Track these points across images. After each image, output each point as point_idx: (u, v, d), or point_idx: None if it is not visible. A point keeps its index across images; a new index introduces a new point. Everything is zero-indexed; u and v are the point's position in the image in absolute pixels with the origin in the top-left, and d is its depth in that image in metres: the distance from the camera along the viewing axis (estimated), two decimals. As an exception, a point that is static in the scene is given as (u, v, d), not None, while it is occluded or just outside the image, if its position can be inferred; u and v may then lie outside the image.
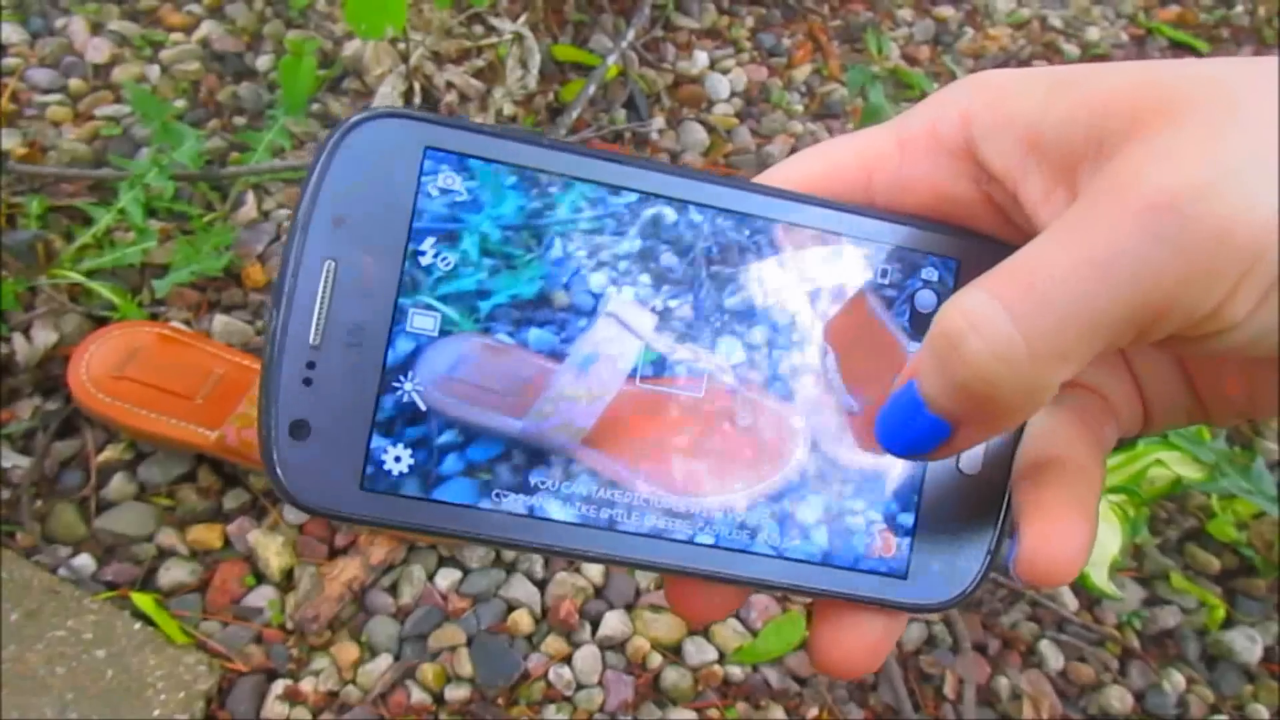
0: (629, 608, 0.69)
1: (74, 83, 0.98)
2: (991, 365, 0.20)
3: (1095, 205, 0.20)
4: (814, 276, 0.26)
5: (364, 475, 0.24)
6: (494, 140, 0.25)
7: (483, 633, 0.67)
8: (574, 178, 0.25)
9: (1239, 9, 1.20)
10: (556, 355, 0.25)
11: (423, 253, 0.24)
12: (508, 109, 1.01)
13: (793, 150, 1.01)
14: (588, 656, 0.67)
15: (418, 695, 0.65)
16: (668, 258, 0.25)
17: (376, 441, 0.24)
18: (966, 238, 0.26)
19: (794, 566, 0.25)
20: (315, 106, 0.99)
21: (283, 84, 0.94)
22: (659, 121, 1.02)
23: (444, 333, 0.24)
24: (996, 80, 0.23)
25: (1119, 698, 0.68)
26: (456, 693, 0.65)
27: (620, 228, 0.25)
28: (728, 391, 0.25)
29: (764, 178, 0.26)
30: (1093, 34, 1.16)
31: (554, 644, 0.67)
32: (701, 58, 1.08)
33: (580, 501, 0.25)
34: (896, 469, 0.26)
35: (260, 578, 0.69)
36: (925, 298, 0.26)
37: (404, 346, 0.24)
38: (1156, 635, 0.72)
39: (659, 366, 0.25)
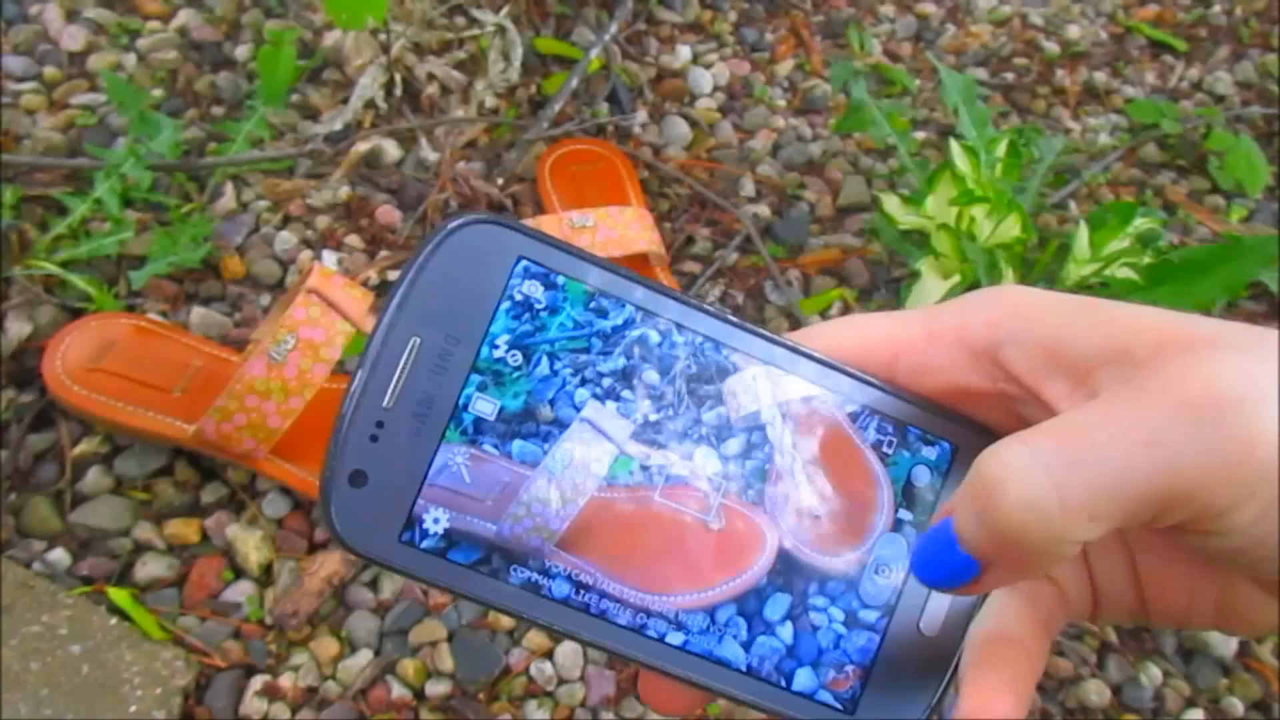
0: (611, 602, 0.69)
1: (49, 71, 0.96)
2: (1024, 514, 0.22)
3: (1141, 392, 0.22)
4: (827, 435, 0.29)
5: (403, 529, 0.26)
6: (582, 263, 0.28)
7: (464, 628, 0.67)
8: (643, 310, 0.28)
9: (1216, 8, 1.21)
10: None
11: (497, 347, 0.27)
12: (489, 101, 1.01)
13: (775, 146, 1.02)
14: (569, 652, 0.66)
15: (398, 691, 0.64)
16: (707, 390, 0.28)
17: (421, 503, 0.26)
18: (970, 427, 0.29)
19: (755, 683, 0.28)
20: (295, 97, 0.98)
21: (262, 74, 0.93)
22: (642, 115, 1.02)
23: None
24: (1024, 296, 0.26)
25: (1097, 691, 0.69)
26: (437, 688, 0.64)
27: (667, 361, 0.28)
28: (703, 510, 0.28)
29: (798, 336, 0.29)
30: (1073, 32, 1.17)
31: (535, 639, 0.67)
32: (684, 52, 1.08)
33: (566, 589, 0.27)
34: (864, 616, 0.28)
35: (239, 572, 0.69)
36: (921, 473, 0.29)
37: (462, 425, 0.27)
38: (1134, 629, 0.72)
39: (633, 473, 0.27)
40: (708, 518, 0.27)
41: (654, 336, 0.28)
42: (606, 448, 0.27)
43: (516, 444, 0.27)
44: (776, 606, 0.28)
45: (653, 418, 0.27)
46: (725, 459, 0.28)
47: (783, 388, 0.28)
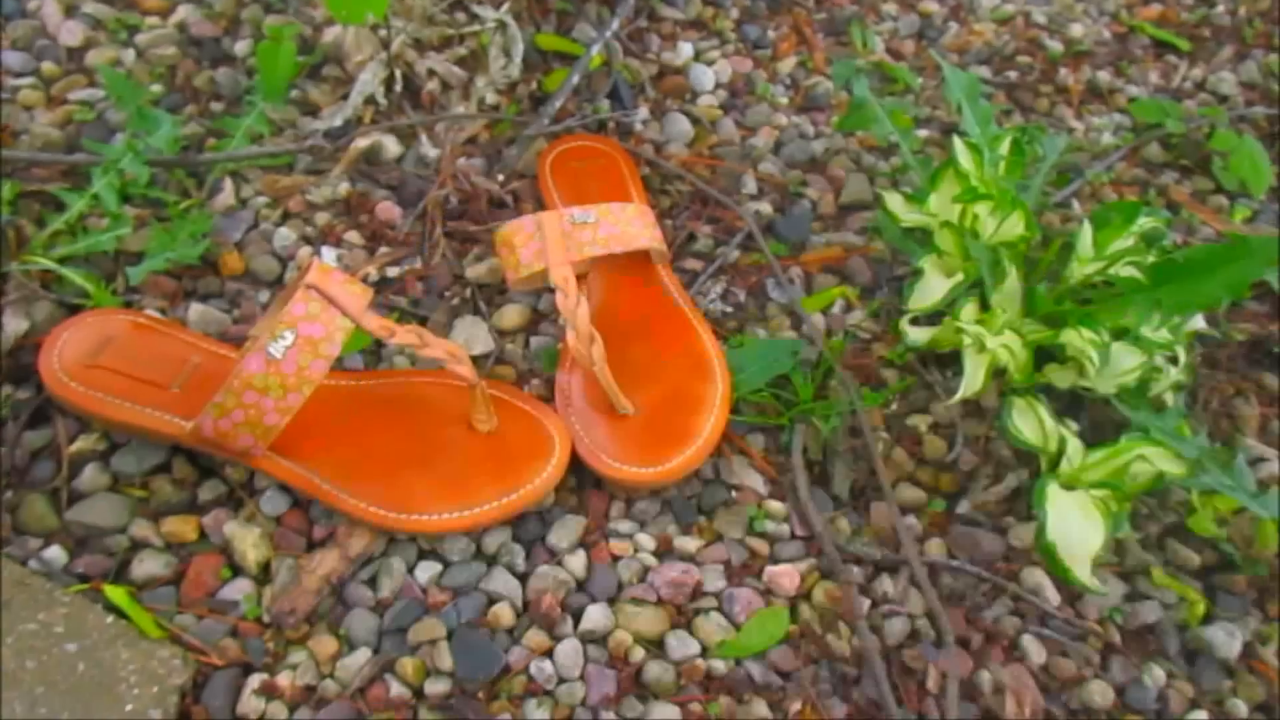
0: (611, 601, 0.68)
1: (46, 66, 0.96)
2: None
3: None
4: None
5: None
6: None
7: (463, 626, 0.66)
8: None
9: (1220, 8, 1.21)
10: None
11: None
12: (490, 98, 1.00)
13: (777, 143, 1.01)
14: (569, 650, 0.66)
15: (397, 689, 0.64)
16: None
17: None
18: None
19: None
20: (294, 93, 0.97)
21: (261, 70, 0.93)
22: (643, 112, 1.01)
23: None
24: None
25: (1100, 692, 0.68)
26: (436, 687, 0.64)
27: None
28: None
29: None
30: (1076, 30, 1.16)
31: (535, 638, 0.66)
32: (686, 48, 1.08)
33: None
34: None
35: (236, 570, 0.68)
36: None
37: None
38: (1137, 630, 0.72)
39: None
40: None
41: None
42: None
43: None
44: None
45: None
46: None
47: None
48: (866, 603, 0.70)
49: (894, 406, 0.81)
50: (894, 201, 0.86)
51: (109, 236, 0.80)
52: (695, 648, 0.67)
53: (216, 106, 0.96)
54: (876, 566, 0.73)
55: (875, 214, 0.94)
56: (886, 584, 0.71)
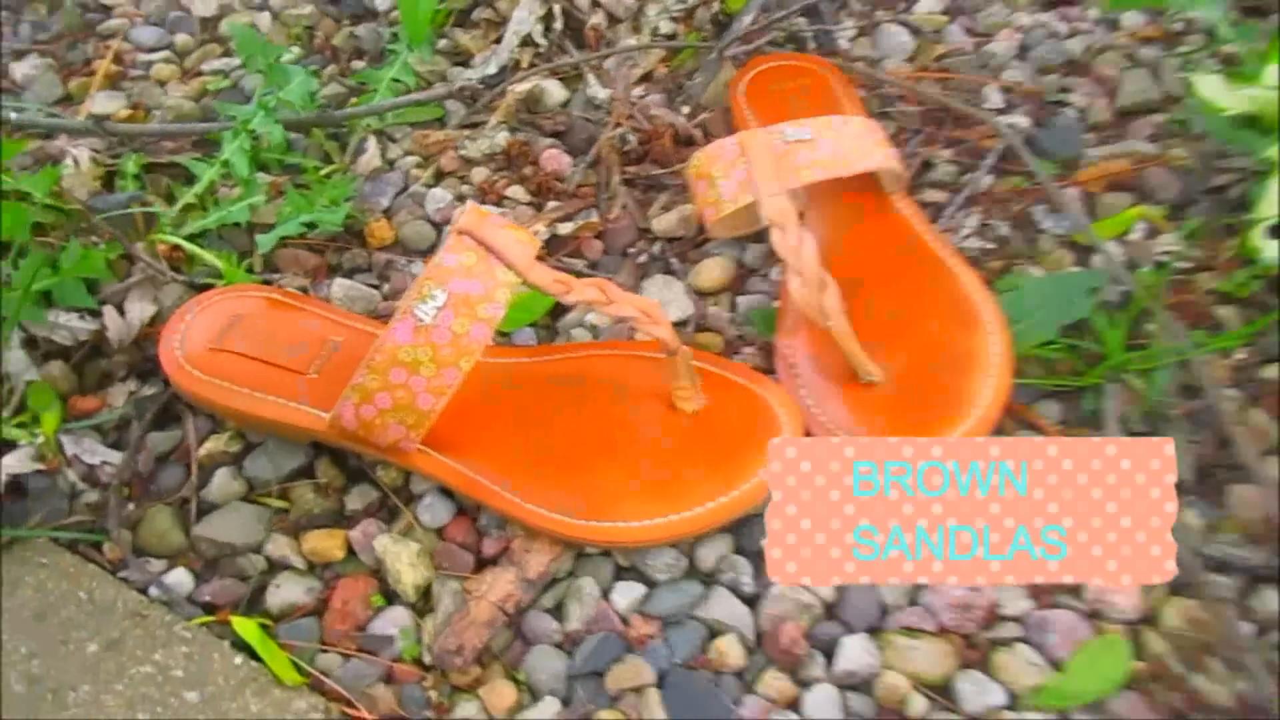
0: (874, 631, 0.51)
1: (180, 39, 0.87)
2: None
3: None
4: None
5: None
6: None
7: (677, 668, 0.50)
8: None
9: None
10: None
11: None
12: (665, 27, 0.85)
13: (1021, 47, 0.80)
14: (822, 700, 0.48)
15: (597, 753, 0.48)
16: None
17: None
18: None
19: None
20: (443, 42, 0.85)
21: (403, 15, 0.80)
22: (848, 28, 0.83)
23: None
24: None
25: None
26: (648, 750, 0.48)
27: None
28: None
29: None
30: None
31: (775, 682, 0.49)
32: (896, -50, 0.89)
33: None
34: None
35: (390, 597, 0.54)
36: None
37: None
38: None
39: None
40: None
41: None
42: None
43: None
44: None
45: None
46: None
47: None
48: (1249, 628, 0.49)
49: (1242, 354, 0.59)
50: (1209, 86, 0.64)
51: (240, 206, 0.69)
52: (999, 695, 0.48)
53: (359, 65, 0.84)
54: (1254, 576, 0.51)
55: (1168, 116, 0.72)
56: (1271, 600, 0.50)
